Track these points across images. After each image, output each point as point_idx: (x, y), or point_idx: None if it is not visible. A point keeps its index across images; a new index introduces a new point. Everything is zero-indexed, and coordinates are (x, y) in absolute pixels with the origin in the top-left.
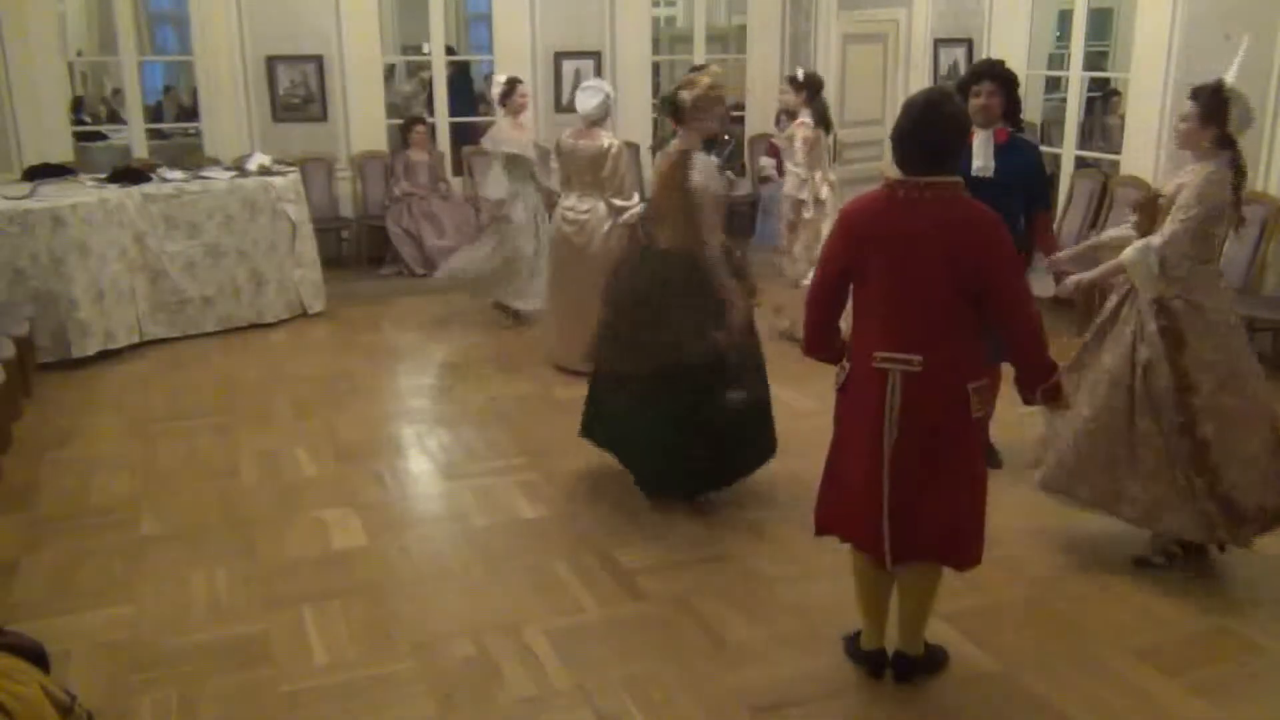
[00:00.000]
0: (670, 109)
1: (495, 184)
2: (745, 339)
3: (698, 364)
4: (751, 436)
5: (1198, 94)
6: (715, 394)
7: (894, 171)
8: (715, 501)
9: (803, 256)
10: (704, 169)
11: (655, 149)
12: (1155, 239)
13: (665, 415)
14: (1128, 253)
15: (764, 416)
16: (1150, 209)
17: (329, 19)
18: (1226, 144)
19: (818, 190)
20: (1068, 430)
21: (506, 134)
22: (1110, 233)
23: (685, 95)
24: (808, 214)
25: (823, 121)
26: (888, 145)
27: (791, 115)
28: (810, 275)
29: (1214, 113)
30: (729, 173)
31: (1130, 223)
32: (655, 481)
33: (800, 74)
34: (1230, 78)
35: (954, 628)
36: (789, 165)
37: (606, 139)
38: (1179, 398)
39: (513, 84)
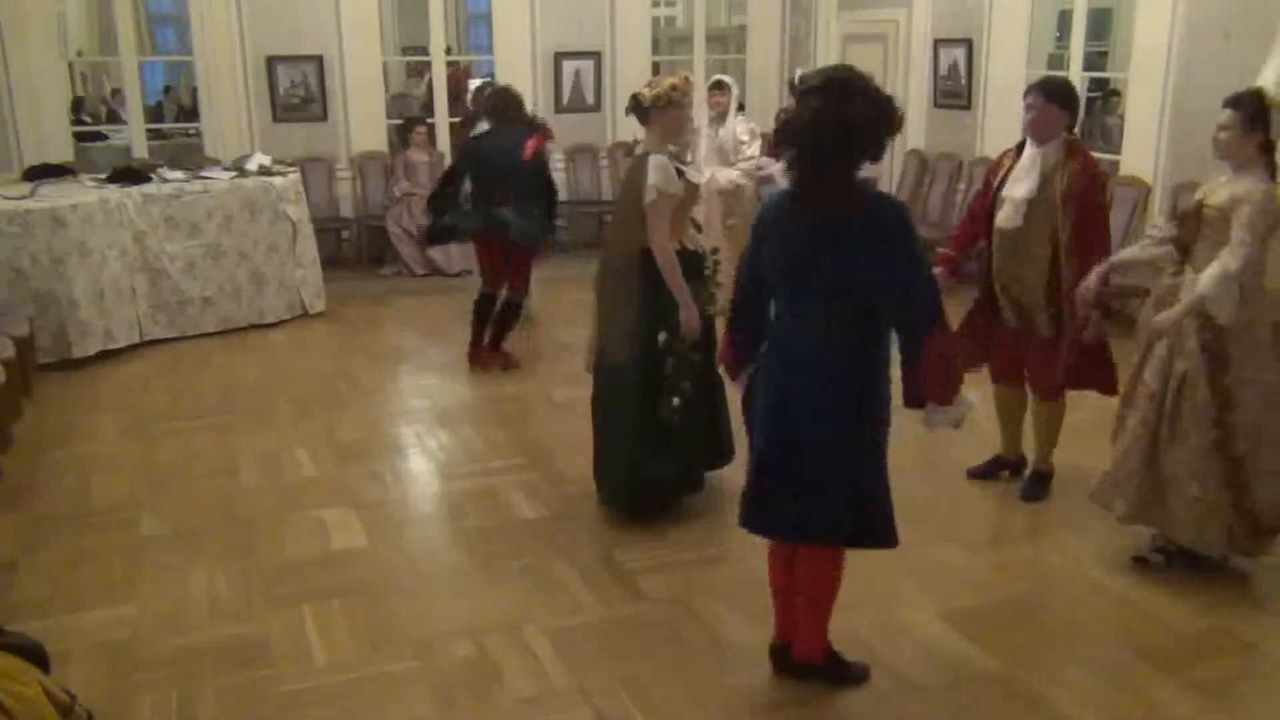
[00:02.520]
0: (633, 106)
1: None
2: (696, 343)
3: (644, 369)
4: (708, 440)
5: (1239, 102)
6: (661, 400)
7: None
8: (696, 505)
9: None
10: (661, 171)
11: (628, 154)
12: (1230, 265)
13: (621, 425)
14: (1206, 285)
15: (715, 422)
16: (1194, 221)
17: (329, 19)
18: (1267, 150)
19: None
20: (1121, 444)
21: None
22: (1129, 253)
23: (646, 93)
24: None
25: None
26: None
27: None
28: None
29: (1257, 120)
30: (685, 177)
31: (1151, 239)
32: (620, 496)
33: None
34: (1271, 84)
35: (954, 628)
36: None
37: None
38: (1218, 415)
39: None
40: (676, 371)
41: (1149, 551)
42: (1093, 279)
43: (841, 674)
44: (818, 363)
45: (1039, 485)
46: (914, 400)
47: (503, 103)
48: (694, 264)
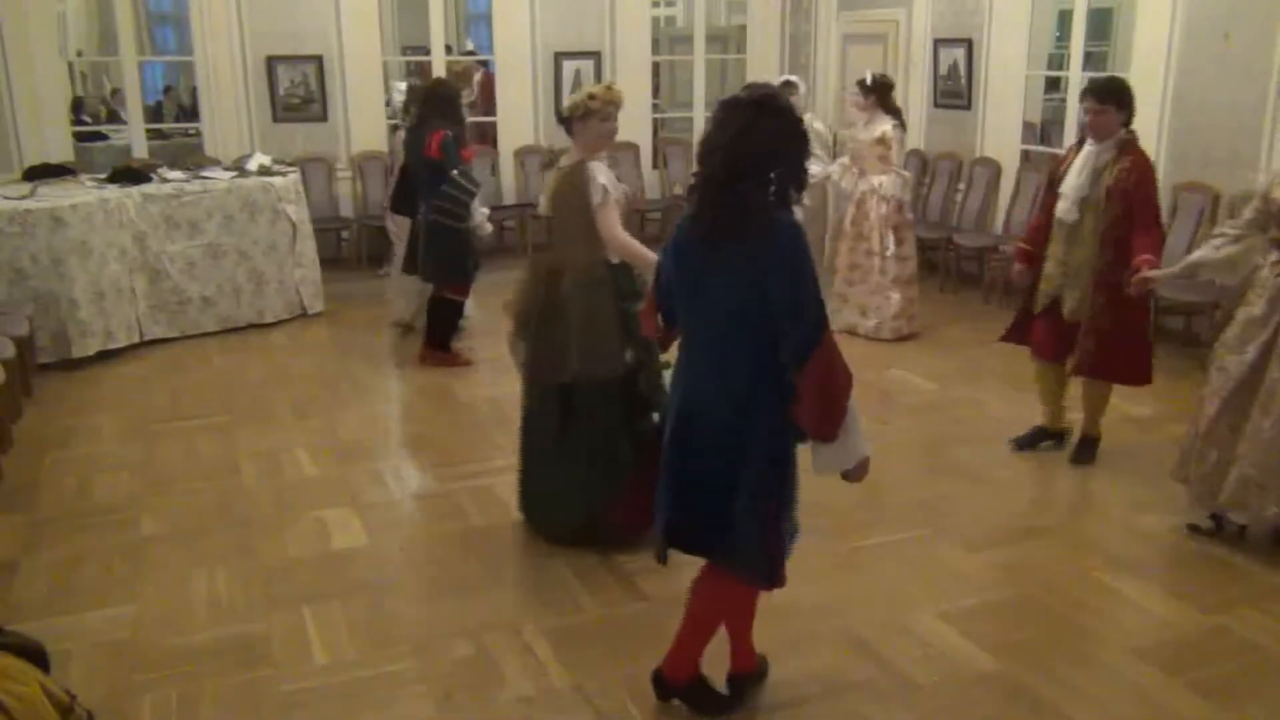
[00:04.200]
0: (558, 115)
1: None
2: (656, 352)
3: (605, 391)
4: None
5: None
6: (628, 424)
7: None
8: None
9: (911, 254)
10: (604, 173)
11: (545, 166)
12: None
13: (575, 453)
14: None
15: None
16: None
17: (329, 19)
18: None
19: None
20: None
21: None
22: (1203, 255)
23: (566, 103)
24: (910, 215)
25: (901, 120)
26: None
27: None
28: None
29: None
30: (625, 186)
31: (1226, 238)
32: (568, 533)
33: (869, 77)
34: None
35: (954, 628)
36: (887, 167)
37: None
38: None
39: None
40: (649, 386)
41: (1203, 519)
42: (1167, 272)
43: (704, 700)
44: (715, 389)
45: (1087, 450)
46: (799, 433)
47: (422, 98)
48: (630, 280)
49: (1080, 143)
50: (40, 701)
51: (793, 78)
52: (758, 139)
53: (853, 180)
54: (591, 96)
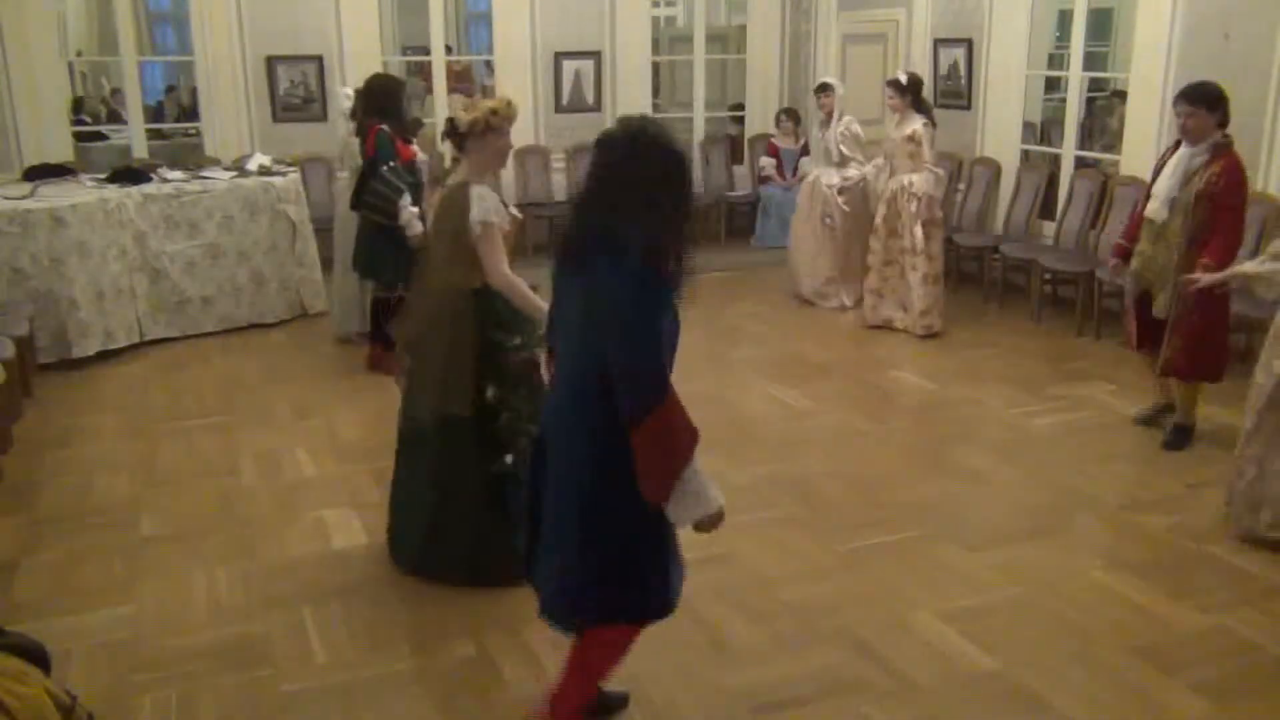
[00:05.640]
0: (449, 130)
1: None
2: (526, 390)
3: (459, 421)
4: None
5: None
6: (480, 459)
7: None
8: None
9: (939, 253)
10: (483, 201)
11: (433, 183)
12: None
13: (424, 484)
14: None
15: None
16: None
17: (329, 19)
18: None
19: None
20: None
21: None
22: (1248, 266)
23: (463, 116)
24: (939, 212)
25: (933, 119)
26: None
27: (795, 119)
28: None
29: None
30: (513, 211)
31: (1267, 255)
32: (462, 570)
33: (903, 77)
34: None
35: (954, 628)
36: (917, 165)
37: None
38: None
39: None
40: (509, 426)
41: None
42: (1215, 277)
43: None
44: (562, 425)
45: (1180, 437)
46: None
47: (361, 95)
48: (505, 309)
49: (1177, 144)
50: (42, 702)
51: (830, 80)
52: (627, 170)
53: (885, 178)
54: (494, 111)
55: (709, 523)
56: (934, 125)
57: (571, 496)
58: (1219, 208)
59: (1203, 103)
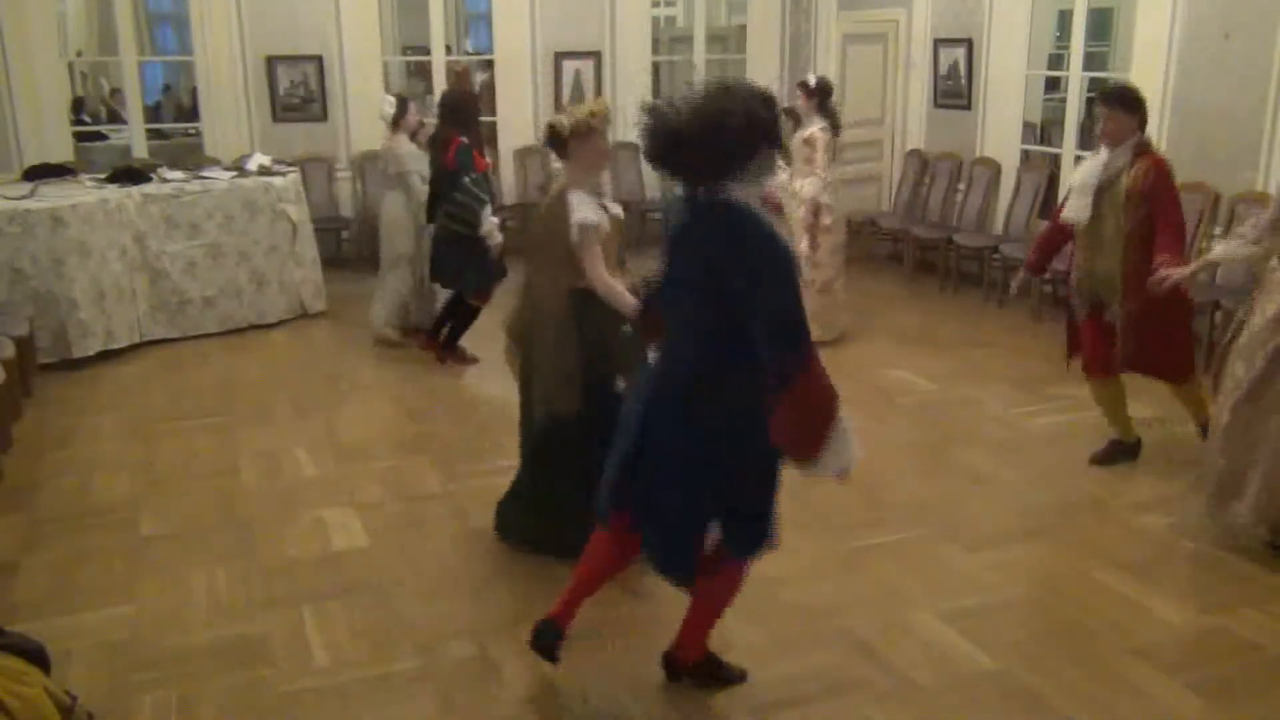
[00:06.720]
0: (550, 137)
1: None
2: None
3: (581, 417)
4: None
5: None
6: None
7: None
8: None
9: (828, 261)
10: (583, 206)
11: (542, 190)
12: None
13: (561, 478)
14: None
15: None
16: None
17: (329, 19)
18: None
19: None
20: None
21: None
22: (1222, 253)
23: (564, 121)
24: (828, 219)
25: (835, 125)
26: (887, 145)
27: (795, 120)
28: (840, 279)
29: None
30: (615, 209)
31: (1244, 239)
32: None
33: (813, 80)
34: None
35: (954, 628)
36: (811, 169)
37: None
38: None
39: (405, 104)
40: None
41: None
42: (1185, 271)
43: (715, 675)
44: (690, 388)
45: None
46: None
47: (441, 107)
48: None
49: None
50: (42, 702)
51: (806, 78)
52: (723, 128)
53: (787, 182)
54: (593, 114)
55: (846, 473)
56: (835, 132)
57: (709, 450)
58: (1157, 200)
59: (1121, 105)
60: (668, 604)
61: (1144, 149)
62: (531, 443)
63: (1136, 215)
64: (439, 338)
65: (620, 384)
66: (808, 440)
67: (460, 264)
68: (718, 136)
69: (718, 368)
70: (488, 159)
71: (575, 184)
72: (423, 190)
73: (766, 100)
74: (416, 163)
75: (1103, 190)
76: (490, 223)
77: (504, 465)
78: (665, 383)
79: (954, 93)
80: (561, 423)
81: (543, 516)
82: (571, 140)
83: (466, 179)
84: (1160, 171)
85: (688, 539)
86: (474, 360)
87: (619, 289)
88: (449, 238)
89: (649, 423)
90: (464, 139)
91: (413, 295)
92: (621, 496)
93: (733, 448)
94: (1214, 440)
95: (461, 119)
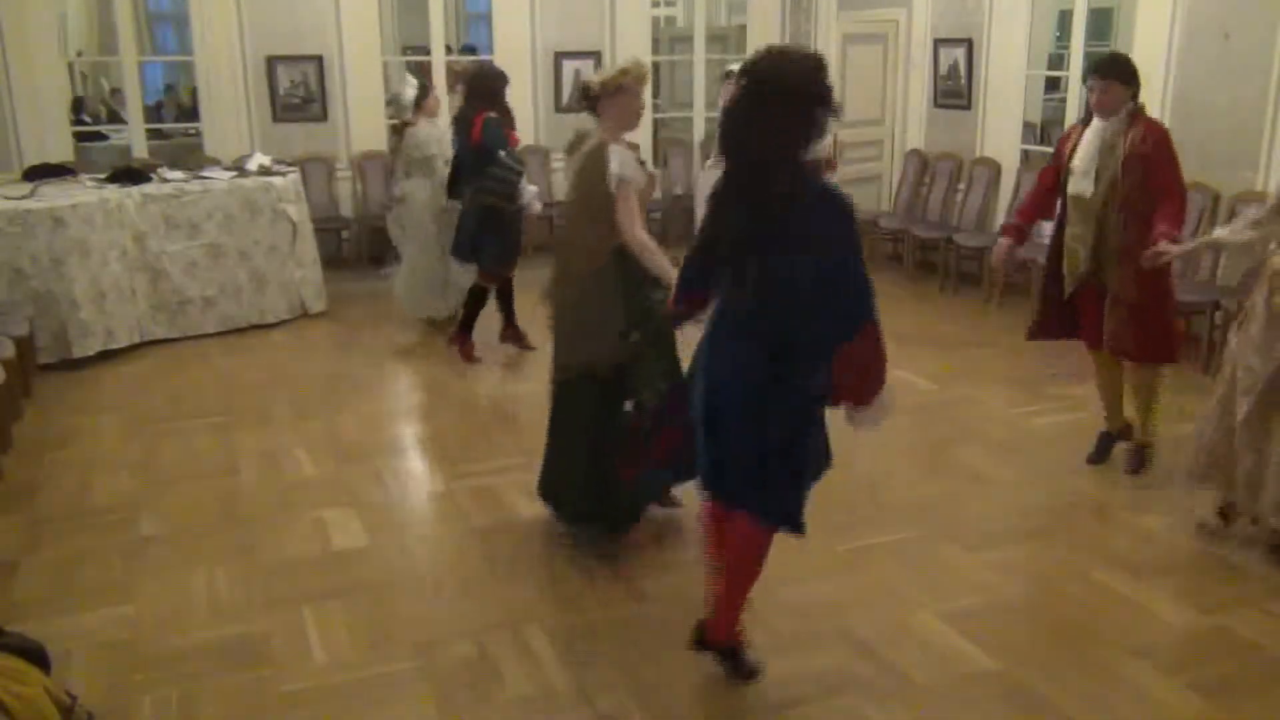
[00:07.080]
0: (583, 94)
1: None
2: (666, 345)
3: (604, 374)
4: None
5: None
6: (619, 406)
7: None
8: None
9: None
10: (622, 157)
11: (571, 149)
12: None
13: (575, 434)
14: None
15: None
16: None
17: (329, 19)
18: None
19: None
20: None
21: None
22: (1223, 235)
23: (596, 79)
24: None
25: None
26: (887, 145)
27: None
28: None
29: None
30: (648, 168)
31: (1244, 223)
32: (581, 515)
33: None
34: None
35: (954, 628)
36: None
37: None
38: None
39: (426, 87)
40: (643, 375)
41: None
42: (1191, 246)
43: (734, 663)
44: (744, 354)
45: (1137, 459)
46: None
47: (466, 85)
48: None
49: (1086, 120)
50: (42, 702)
51: (733, 68)
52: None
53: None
54: (625, 71)
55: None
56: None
57: (781, 419)
58: (1157, 165)
59: (1117, 76)
60: (668, 604)
61: (1139, 113)
62: (564, 407)
63: (1133, 179)
64: (469, 333)
65: (634, 336)
66: (866, 385)
67: (484, 238)
68: (792, 100)
69: (809, 337)
70: (518, 134)
71: (609, 140)
72: (445, 172)
73: (819, 63)
74: (439, 146)
75: (1101, 157)
76: (530, 192)
77: (504, 465)
78: (750, 357)
79: (954, 93)
80: (574, 381)
81: (581, 489)
82: (603, 97)
83: (502, 153)
84: (1159, 135)
85: (788, 486)
86: (476, 360)
87: (652, 246)
88: (479, 213)
89: (726, 401)
90: (492, 114)
91: (443, 271)
92: (713, 486)
93: (794, 411)
94: (1222, 432)
95: (487, 95)
